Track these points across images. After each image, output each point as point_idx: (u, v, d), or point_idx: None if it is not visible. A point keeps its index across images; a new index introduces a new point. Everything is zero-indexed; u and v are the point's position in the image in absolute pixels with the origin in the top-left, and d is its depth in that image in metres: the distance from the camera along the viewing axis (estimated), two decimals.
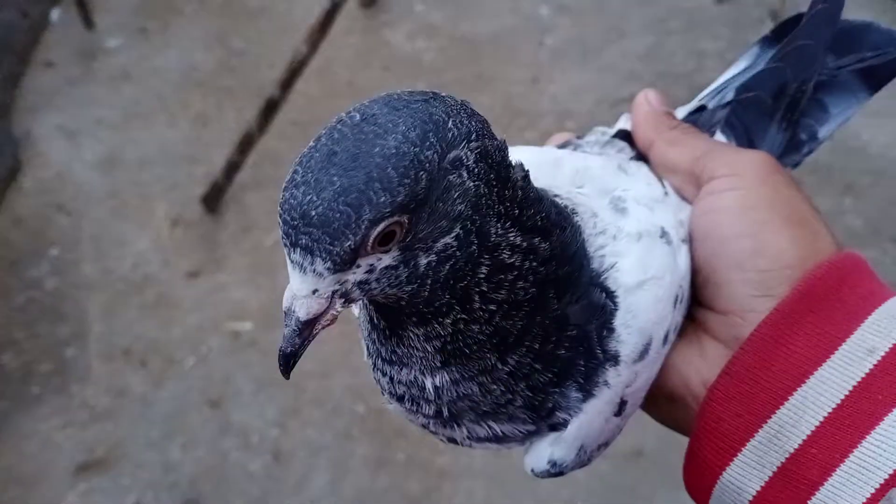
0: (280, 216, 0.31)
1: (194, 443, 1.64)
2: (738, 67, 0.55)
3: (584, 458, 0.43)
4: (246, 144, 1.90)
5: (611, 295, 0.40)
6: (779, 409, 0.39)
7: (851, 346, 0.39)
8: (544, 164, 0.44)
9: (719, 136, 0.52)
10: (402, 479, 1.58)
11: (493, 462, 1.58)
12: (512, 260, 0.35)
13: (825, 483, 0.38)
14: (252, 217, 1.97)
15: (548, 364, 0.38)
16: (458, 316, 0.36)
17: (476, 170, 0.32)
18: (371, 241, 0.31)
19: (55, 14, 2.44)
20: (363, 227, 0.30)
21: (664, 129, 0.50)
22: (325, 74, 2.06)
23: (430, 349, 0.37)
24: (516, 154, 0.45)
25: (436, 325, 0.36)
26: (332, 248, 0.30)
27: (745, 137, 0.51)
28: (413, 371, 0.38)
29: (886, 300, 0.41)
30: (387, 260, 0.32)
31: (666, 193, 0.47)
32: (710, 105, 0.53)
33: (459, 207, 0.32)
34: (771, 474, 0.39)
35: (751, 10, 2.28)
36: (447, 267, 0.33)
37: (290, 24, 2.29)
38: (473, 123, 0.34)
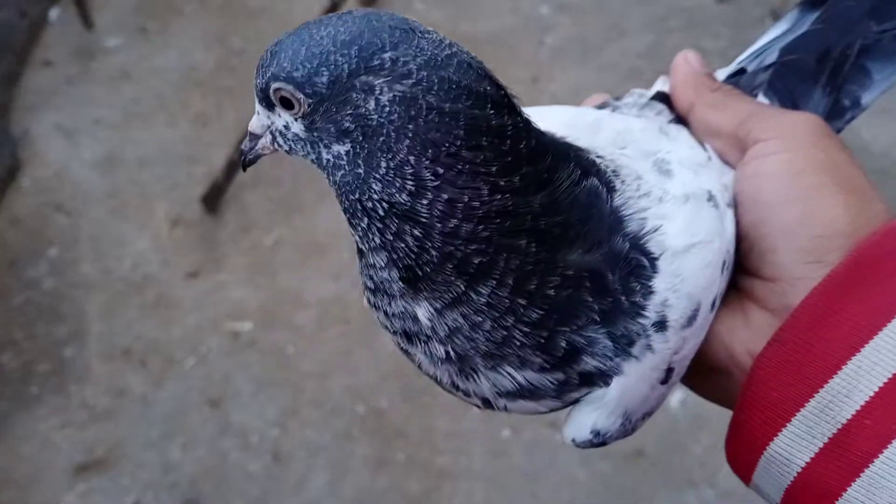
0: None
1: (194, 443, 1.64)
2: (778, 30, 0.54)
3: (628, 427, 0.41)
4: None
5: (649, 256, 0.39)
6: (831, 378, 0.38)
7: None
8: (584, 125, 0.43)
9: (762, 100, 0.50)
10: (402, 479, 1.57)
11: (494, 463, 1.57)
12: (409, 202, 0.34)
13: (880, 455, 0.36)
14: (252, 217, 1.97)
15: (533, 301, 0.36)
16: (377, 228, 0.36)
17: (387, 109, 0.33)
18: (271, 92, 0.36)
19: (54, 13, 2.43)
20: (266, 76, 0.36)
21: (705, 91, 0.48)
22: None
23: (381, 261, 0.37)
24: (555, 114, 0.44)
25: (370, 235, 0.36)
26: (255, 82, 0.37)
27: (790, 101, 0.50)
28: (397, 300, 0.37)
29: None
30: (295, 128, 0.37)
31: (709, 158, 0.46)
32: (750, 68, 0.52)
33: (349, 125, 0.34)
34: (822, 445, 0.38)
35: (751, 9, 2.28)
36: (339, 175, 0.35)
37: (290, 23, 2.27)
38: (427, 75, 0.33)
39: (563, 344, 0.37)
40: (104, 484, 1.60)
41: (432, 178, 0.34)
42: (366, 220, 0.36)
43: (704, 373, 0.44)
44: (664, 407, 1.64)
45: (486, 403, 0.40)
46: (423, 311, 0.37)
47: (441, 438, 1.61)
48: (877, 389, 0.37)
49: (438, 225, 0.34)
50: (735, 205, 0.44)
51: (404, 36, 0.34)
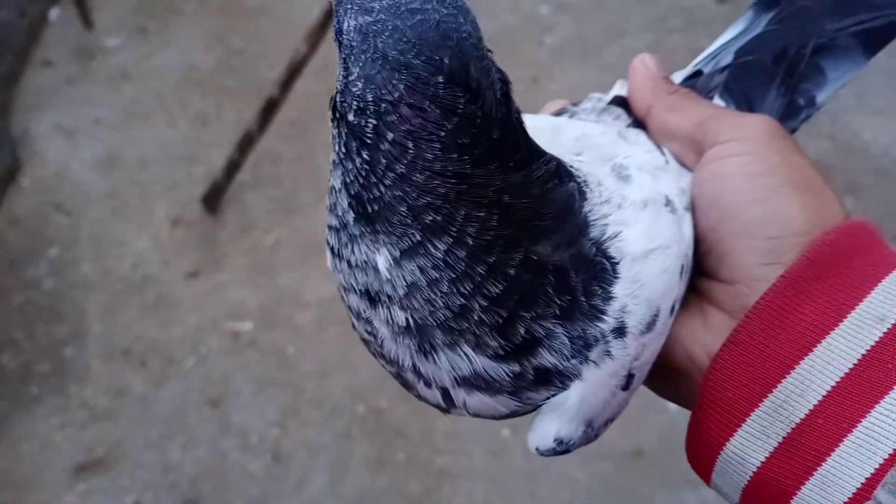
0: None
1: (194, 443, 1.64)
2: (732, 32, 0.53)
3: (591, 434, 0.41)
4: (246, 144, 1.90)
5: (611, 261, 0.39)
6: (785, 377, 0.38)
7: (861, 314, 0.38)
8: (543, 131, 0.43)
9: (718, 102, 0.50)
10: (402, 479, 1.57)
11: (494, 463, 1.58)
12: (354, 121, 0.35)
13: (831, 454, 0.36)
14: (252, 217, 1.97)
15: (493, 274, 0.36)
16: (335, 135, 0.36)
17: (350, 34, 0.35)
18: None
19: (54, 13, 2.43)
20: None
21: (662, 94, 0.48)
22: (324, 74, 2.06)
23: (337, 183, 0.37)
24: None
25: (333, 144, 0.37)
26: None
27: (745, 102, 0.50)
28: (358, 243, 0.37)
29: None
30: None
31: (666, 161, 0.46)
32: (706, 69, 0.52)
33: (335, 34, 0.36)
34: (776, 445, 0.38)
35: None
36: (339, 71, 0.36)
37: (289, 23, 2.28)
38: (384, 19, 0.34)
39: (522, 331, 0.37)
40: (104, 484, 1.60)
41: (374, 115, 0.34)
42: (333, 122, 0.36)
43: (665, 375, 0.44)
44: (664, 407, 1.65)
45: (447, 398, 0.40)
46: (382, 260, 0.37)
47: (441, 438, 1.61)
48: (829, 388, 0.37)
49: (384, 161, 0.34)
50: (693, 208, 0.44)
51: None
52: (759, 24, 0.52)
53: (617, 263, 0.39)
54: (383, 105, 0.34)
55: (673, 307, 0.42)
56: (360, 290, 0.39)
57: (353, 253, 0.38)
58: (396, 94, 0.33)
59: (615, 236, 0.40)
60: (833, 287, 0.39)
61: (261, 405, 1.68)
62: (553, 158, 0.39)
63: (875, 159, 1.98)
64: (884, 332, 0.37)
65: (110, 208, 2.01)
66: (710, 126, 0.45)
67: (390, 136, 0.34)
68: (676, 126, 0.47)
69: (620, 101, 0.51)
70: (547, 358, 0.38)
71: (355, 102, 0.34)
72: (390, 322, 0.38)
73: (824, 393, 0.37)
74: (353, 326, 0.42)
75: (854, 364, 0.37)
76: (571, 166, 0.41)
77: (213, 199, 1.96)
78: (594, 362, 0.38)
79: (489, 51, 0.35)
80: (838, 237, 0.40)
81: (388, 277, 0.37)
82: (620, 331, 0.39)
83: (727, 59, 0.52)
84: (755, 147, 0.43)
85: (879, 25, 0.49)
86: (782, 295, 0.39)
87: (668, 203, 0.43)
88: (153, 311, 1.83)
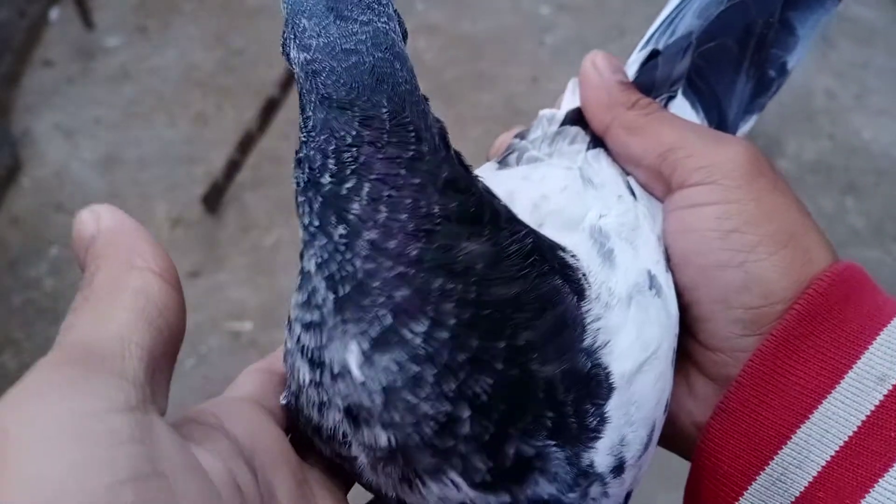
0: None
1: None
2: None
3: None
4: (246, 144, 1.90)
5: (606, 374, 0.34)
6: (782, 448, 0.36)
7: (859, 374, 0.35)
8: None
9: (681, 101, 0.45)
10: None
11: None
12: (329, 183, 0.32)
13: None
14: (252, 217, 1.97)
15: (477, 366, 0.30)
16: (304, 203, 0.33)
17: (297, 65, 0.32)
18: None
19: (54, 13, 2.43)
20: None
21: (620, 109, 0.43)
22: None
23: (313, 267, 0.33)
24: None
25: (310, 216, 0.33)
26: None
27: (712, 98, 0.45)
28: (333, 337, 0.32)
29: (895, 316, 0.36)
30: None
31: (634, 196, 0.41)
32: (662, 44, 0.47)
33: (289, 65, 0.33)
34: None
35: None
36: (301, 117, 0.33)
37: None
38: (321, 59, 0.31)
39: (512, 451, 0.31)
40: None
41: (346, 166, 0.31)
42: (303, 190, 0.33)
43: None
44: None
45: None
46: (353, 358, 0.31)
47: None
48: (828, 459, 0.35)
49: (360, 226, 0.31)
50: (667, 257, 0.40)
51: (321, 11, 0.32)
52: None
53: (611, 378, 0.34)
54: (349, 152, 0.31)
55: (667, 402, 0.38)
56: (343, 407, 0.32)
57: (329, 352, 0.32)
58: (354, 133, 0.31)
59: (605, 345, 0.34)
60: (827, 344, 0.36)
61: None
62: (531, 234, 0.34)
63: (876, 159, 1.98)
64: (884, 395, 0.35)
65: None
66: (676, 161, 0.40)
67: (365, 189, 0.31)
68: (639, 153, 0.42)
69: (575, 118, 0.45)
70: (544, 487, 0.32)
71: (322, 159, 0.32)
72: (373, 446, 0.32)
73: (823, 464, 0.35)
74: (316, 444, 0.35)
75: (854, 431, 0.35)
76: (572, 254, 0.36)
77: (213, 199, 1.96)
78: (593, 500, 0.34)
79: (426, 98, 0.33)
80: (830, 286, 0.37)
81: (363, 381, 0.31)
82: (619, 469, 0.34)
83: (684, 24, 0.47)
84: (727, 193, 0.39)
85: None
86: (773, 356, 0.37)
87: (653, 284, 0.38)
88: None
